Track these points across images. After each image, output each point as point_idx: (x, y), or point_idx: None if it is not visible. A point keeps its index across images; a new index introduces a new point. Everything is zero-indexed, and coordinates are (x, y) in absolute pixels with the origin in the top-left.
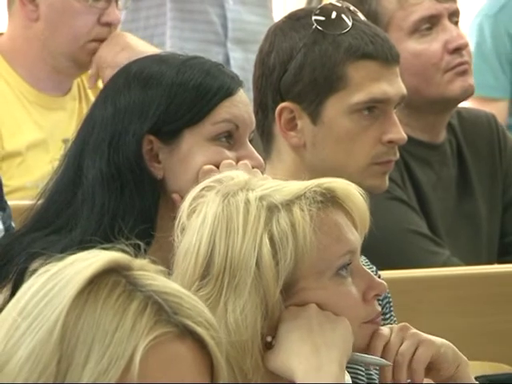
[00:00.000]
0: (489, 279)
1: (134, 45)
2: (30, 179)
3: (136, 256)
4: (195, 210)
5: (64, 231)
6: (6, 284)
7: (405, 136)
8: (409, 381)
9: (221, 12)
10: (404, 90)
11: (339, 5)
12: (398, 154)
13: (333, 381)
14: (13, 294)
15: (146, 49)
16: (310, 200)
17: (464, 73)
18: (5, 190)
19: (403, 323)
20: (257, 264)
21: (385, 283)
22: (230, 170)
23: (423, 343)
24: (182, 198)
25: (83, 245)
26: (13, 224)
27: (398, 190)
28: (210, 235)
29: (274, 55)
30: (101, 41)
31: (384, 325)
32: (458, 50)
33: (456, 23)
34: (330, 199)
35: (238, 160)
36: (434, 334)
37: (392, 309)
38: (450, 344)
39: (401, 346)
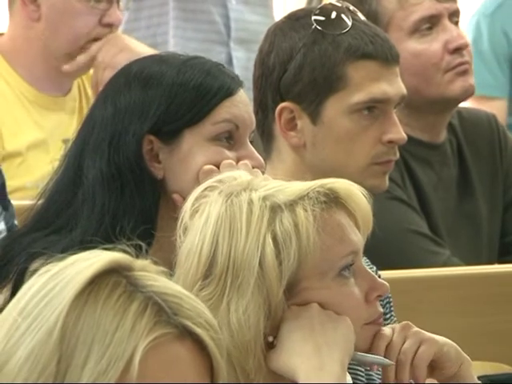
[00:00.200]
0: (489, 279)
1: (133, 46)
2: (31, 179)
3: (137, 256)
4: (198, 210)
5: (64, 231)
6: (7, 284)
7: (405, 136)
8: (411, 381)
9: (223, 12)
10: (404, 90)
11: (339, 5)
12: (398, 154)
13: (335, 381)
14: (13, 294)
15: (145, 50)
16: (314, 200)
17: (464, 73)
18: None
19: (405, 322)
20: (260, 264)
21: (387, 284)
22: (231, 170)
23: (425, 341)
24: (183, 198)
25: (84, 245)
26: (16, 222)
27: (399, 190)
28: (212, 235)
29: (274, 55)
30: None
31: (384, 325)
32: (459, 49)
33: (456, 23)
34: (334, 200)
35: (238, 160)
36: (434, 334)
37: (392, 309)
38: (453, 343)
39: (403, 344)
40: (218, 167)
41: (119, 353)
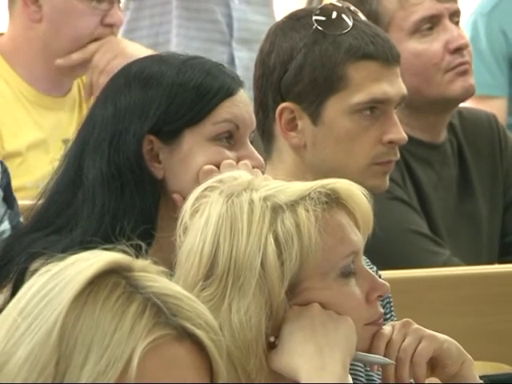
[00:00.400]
0: (489, 279)
1: (129, 50)
2: (31, 179)
3: (137, 257)
4: (198, 210)
5: (64, 231)
6: (7, 284)
7: (405, 136)
8: (412, 380)
9: (226, 11)
10: (404, 90)
11: (340, 5)
12: (398, 154)
13: (336, 381)
14: (13, 294)
15: (141, 53)
16: (315, 201)
17: (465, 73)
18: None
19: (406, 319)
20: (262, 264)
21: (387, 284)
22: (231, 170)
23: (425, 338)
24: (183, 198)
25: (84, 245)
26: (21, 219)
27: (399, 190)
28: (214, 235)
29: (275, 55)
30: None
31: (384, 325)
32: (459, 50)
33: (457, 23)
34: (335, 200)
35: (238, 160)
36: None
37: (393, 309)
38: (454, 341)
39: (403, 342)
40: (218, 167)
41: (118, 354)
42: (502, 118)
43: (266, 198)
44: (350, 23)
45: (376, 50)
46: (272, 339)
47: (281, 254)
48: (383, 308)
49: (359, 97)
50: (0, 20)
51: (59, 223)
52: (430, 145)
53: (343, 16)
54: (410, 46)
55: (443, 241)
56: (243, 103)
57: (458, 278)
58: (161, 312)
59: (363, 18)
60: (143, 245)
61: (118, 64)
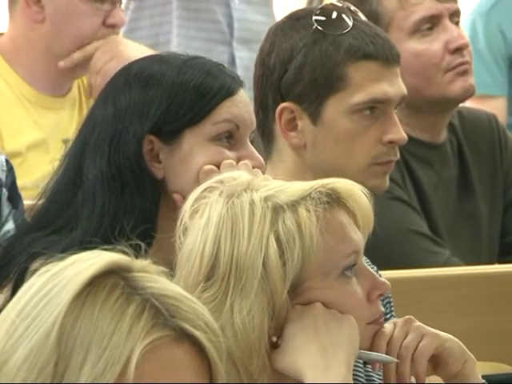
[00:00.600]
0: (489, 279)
1: (127, 51)
2: (31, 179)
3: (137, 257)
4: (197, 210)
5: (65, 231)
6: (7, 284)
7: (405, 136)
8: (413, 379)
9: (227, 11)
10: (404, 90)
11: (340, 5)
12: (398, 154)
13: (340, 381)
14: (13, 293)
15: (139, 55)
16: (316, 200)
17: (465, 73)
18: None
19: (408, 316)
20: (263, 265)
21: (388, 283)
22: (231, 170)
23: (427, 336)
24: (183, 198)
25: (84, 245)
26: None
27: (399, 190)
28: (214, 236)
29: (275, 55)
30: None
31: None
32: (459, 50)
33: (457, 23)
34: (335, 199)
35: (238, 160)
36: None
37: (393, 309)
38: (457, 340)
39: (405, 339)
40: (218, 167)
41: (116, 356)
42: (501, 117)
43: (266, 199)
44: (350, 23)
45: (376, 49)
46: (275, 339)
47: (282, 254)
48: (383, 308)
49: (359, 97)
50: (0, 20)
51: (59, 223)
52: (430, 145)
53: (343, 16)
54: (410, 46)
55: (443, 241)
56: (243, 103)
57: (457, 277)
58: (159, 313)
59: (363, 18)
60: (143, 245)
61: (113, 66)
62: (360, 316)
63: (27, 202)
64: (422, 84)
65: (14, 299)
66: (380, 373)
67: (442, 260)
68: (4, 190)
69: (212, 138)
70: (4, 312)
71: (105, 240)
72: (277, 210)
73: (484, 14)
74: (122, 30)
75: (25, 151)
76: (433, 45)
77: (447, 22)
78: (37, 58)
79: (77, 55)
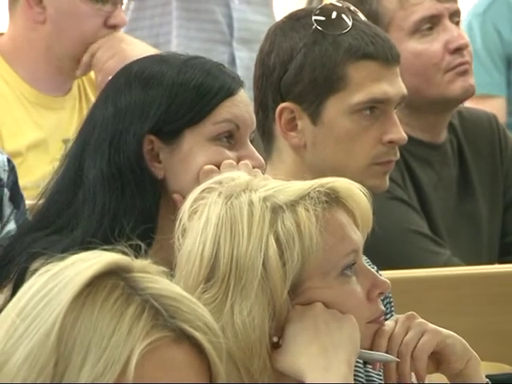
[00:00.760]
0: (489, 279)
1: (129, 49)
2: (31, 179)
3: (137, 257)
4: (196, 211)
5: (65, 231)
6: (7, 284)
7: (405, 136)
8: (413, 379)
9: (226, 11)
10: (404, 90)
11: (339, 5)
12: (398, 154)
13: (341, 381)
14: (14, 293)
15: (142, 53)
16: (315, 200)
17: (465, 73)
18: None
19: (410, 312)
20: (263, 265)
21: (388, 282)
22: (231, 170)
23: (428, 332)
24: (183, 198)
25: (84, 245)
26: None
27: (399, 190)
28: (214, 237)
29: (275, 55)
30: None
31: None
32: (459, 50)
33: (457, 23)
34: (334, 199)
35: (238, 160)
36: None
37: (393, 309)
38: (460, 338)
39: (405, 335)
40: (218, 167)
41: (116, 356)
42: (501, 116)
43: (265, 199)
44: (350, 23)
45: (376, 49)
46: (275, 339)
47: (282, 254)
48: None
49: (359, 97)
50: (0, 20)
51: (60, 223)
52: (430, 145)
53: (343, 16)
54: (410, 46)
55: (443, 241)
56: (243, 103)
57: (457, 277)
58: (159, 314)
59: (363, 18)
60: (143, 245)
61: (114, 64)
62: (360, 315)
63: (28, 201)
64: (421, 84)
65: (14, 299)
66: (380, 372)
67: (442, 260)
68: (6, 190)
69: (212, 138)
70: (4, 312)
71: (105, 240)
72: (276, 210)
73: (480, 14)
74: (121, 30)
75: (25, 151)
76: (433, 45)
77: (447, 22)
78: (37, 58)
79: (85, 58)
